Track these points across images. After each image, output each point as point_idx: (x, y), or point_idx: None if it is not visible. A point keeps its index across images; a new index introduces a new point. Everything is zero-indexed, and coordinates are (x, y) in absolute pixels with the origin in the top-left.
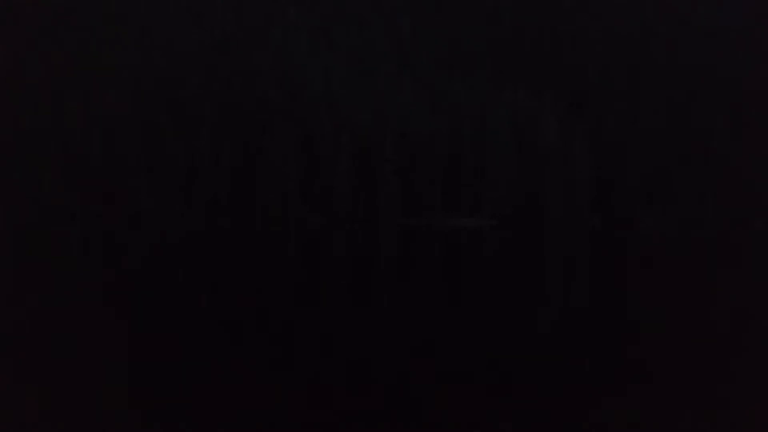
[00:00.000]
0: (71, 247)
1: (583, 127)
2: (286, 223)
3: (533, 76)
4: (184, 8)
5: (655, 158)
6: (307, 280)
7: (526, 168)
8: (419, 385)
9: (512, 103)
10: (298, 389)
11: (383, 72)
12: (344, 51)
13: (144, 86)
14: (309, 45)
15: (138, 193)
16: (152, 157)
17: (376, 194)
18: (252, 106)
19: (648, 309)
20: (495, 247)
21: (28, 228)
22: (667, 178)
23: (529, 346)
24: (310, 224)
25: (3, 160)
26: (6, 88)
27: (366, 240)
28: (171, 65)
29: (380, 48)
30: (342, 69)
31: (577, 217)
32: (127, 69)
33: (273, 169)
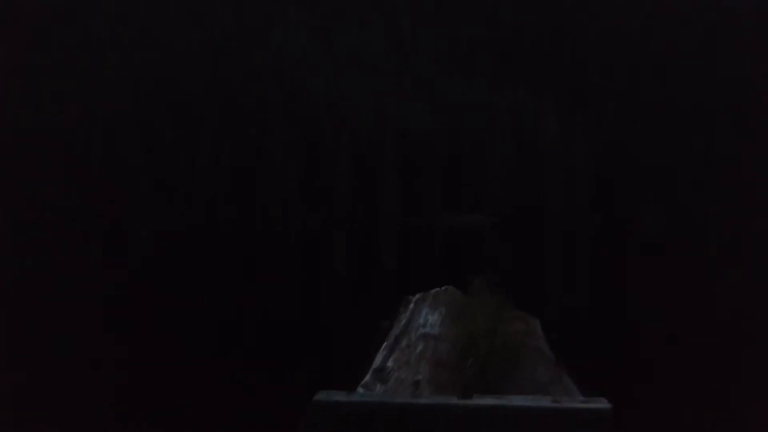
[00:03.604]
0: (69, 247)
1: (583, 127)
2: (286, 223)
3: (533, 76)
4: (184, 8)
5: (655, 158)
6: (308, 280)
7: (526, 168)
8: None
9: (512, 103)
10: (298, 387)
11: (383, 72)
12: (344, 51)
13: (144, 86)
14: (309, 45)
15: (138, 193)
16: (152, 157)
17: (376, 194)
18: (252, 106)
19: (648, 309)
20: (495, 246)
21: (28, 228)
22: (667, 178)
23: None
24: (310, 224)
25: (2, 159)
26: (6, 88)
27: (366, 240)
28: (171, 65)
29: (380, 48)
30: (342, 69)
31: (577, 217)
32: (127, 69)
33: (273, 169)
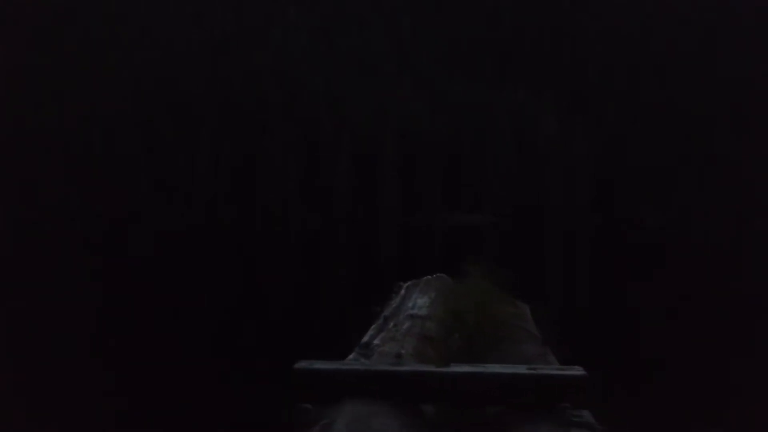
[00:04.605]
0: (69, 247)
1: (583, 127)
2: (286, 223)
3: (533, 76)
4: (184, 8)
5: (655, 158)
6: (308, 280)
7: (526, 168)
8: None
9: (512, 103)
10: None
11: (383, 72)
12: (344, 51)
13: (144, 86)
14: (309, 45)
15: (138, 193)
16: (152, 157)
17: (376, 194)
18: (252, 106)
19: (648, 308)
20: (495, 245)
21: (28, 228)
22: (667, 178)
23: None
24: (310, 224)
25: (2, 159)
26: (6, 88)
27: (366, 239)
28: (171, 65)
29: (380, 48)
30: (342, 69)
31: (577, 217)
32: (127, 69)
33: (273, 169)
